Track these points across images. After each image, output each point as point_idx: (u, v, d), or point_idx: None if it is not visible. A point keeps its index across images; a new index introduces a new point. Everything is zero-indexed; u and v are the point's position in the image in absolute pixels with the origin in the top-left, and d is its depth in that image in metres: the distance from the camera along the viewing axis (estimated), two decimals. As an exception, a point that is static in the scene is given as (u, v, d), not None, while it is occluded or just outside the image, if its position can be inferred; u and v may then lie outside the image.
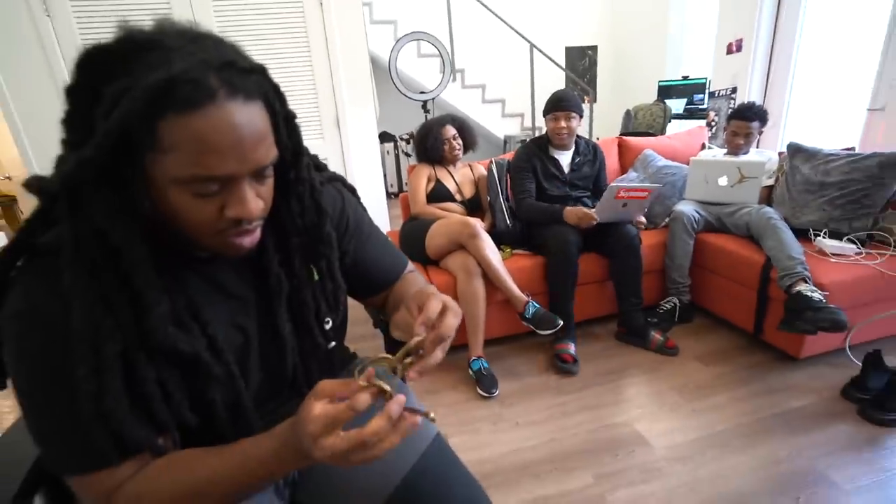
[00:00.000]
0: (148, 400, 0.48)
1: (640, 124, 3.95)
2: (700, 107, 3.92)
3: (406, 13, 4.49)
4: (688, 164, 2.11)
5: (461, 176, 2.18)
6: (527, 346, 2.00)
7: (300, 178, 0.56)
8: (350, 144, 2.81)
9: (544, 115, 2.03)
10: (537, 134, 4.85)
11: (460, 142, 2.14)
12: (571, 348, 1.85)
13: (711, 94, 3.68)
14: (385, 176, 3.46)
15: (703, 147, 2.50)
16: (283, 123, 0.50)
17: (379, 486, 0.61)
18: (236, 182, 0.45)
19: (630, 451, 1.37)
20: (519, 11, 4.83)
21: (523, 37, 4.24)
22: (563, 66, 4.93)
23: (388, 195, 4.75)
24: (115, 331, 0.45)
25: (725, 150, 2.15)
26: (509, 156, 2.32)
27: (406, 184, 3.72)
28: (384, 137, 4.83)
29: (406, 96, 3.80)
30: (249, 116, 0.44)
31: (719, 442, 1.38)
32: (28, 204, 3.69)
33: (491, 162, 2.15)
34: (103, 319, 0.45)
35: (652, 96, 4.25)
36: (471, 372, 1.79)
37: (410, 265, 0.77)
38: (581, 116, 1.99)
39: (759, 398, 1.55)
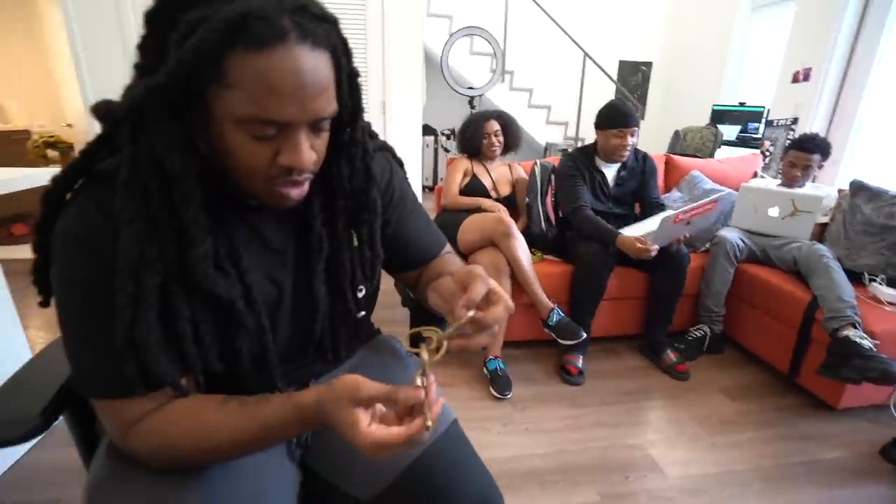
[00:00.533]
0: (179, 338, 0.48)
1: (687, 146, 3.82)
2: (754, 136, 3.77)
3: (463, 9, 4.49)
4: (737, 189, 2.02)
5: (498, 174, 2.15)
6: (545, 353, 1.95)
7: (354, 139, 0.56)
8: (393, 132, 2.82)
9: (601, 129, 1.89)
10: (580, 144, 4.80)
11: (501, 139, 2.10)
12: (579, 361, 1.81)
13: (769, 123, 3.53)
14: (422, 168, 3.46)
15: (755, 175, 2.40)
16: (347, 80, 0.49)
17: (390, 464, 0.59)
18: (293, 129, 0.45)
19: (641, 476, 1.32)
20: (576, 20, 4.75)
21: (578, 45, 4.17)
22: (615, 79, 4.83)
23: (423, 188, 4.75)
24: (157, 262, 0.45)
25: (779, 181, 2.05)
26: (552, 159, 2.28)
27: (441, 179, 3.71)
28: (426, 130, 4.84)
29: (454, 90, 3.79)
30: (314, 64, 0.43)
31: (738, 481, 1.31)
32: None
33: (535, 163, 2.10)
34: (148, 247, 0.44)
35: (703, 119, 4.11)
36: (486, 371, 1.76)
37: (448, 247, 0.75)
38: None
39: (787, 443, 1.47)
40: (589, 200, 1.91)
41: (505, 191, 2.13)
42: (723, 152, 3.75)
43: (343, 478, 0.63)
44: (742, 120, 3.95)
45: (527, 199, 2.08)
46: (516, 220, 2.03)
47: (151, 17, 0.43)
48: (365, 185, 0.58)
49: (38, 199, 0.48)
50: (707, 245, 2.03)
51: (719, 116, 4.09)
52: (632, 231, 1.81)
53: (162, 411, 0.49)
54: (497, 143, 2.09)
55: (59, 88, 4.13)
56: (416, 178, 2.94)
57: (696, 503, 1.23)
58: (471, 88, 3.92)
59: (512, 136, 2.13)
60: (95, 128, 0.47)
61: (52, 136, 3.71)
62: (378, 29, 2.62)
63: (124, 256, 0.44)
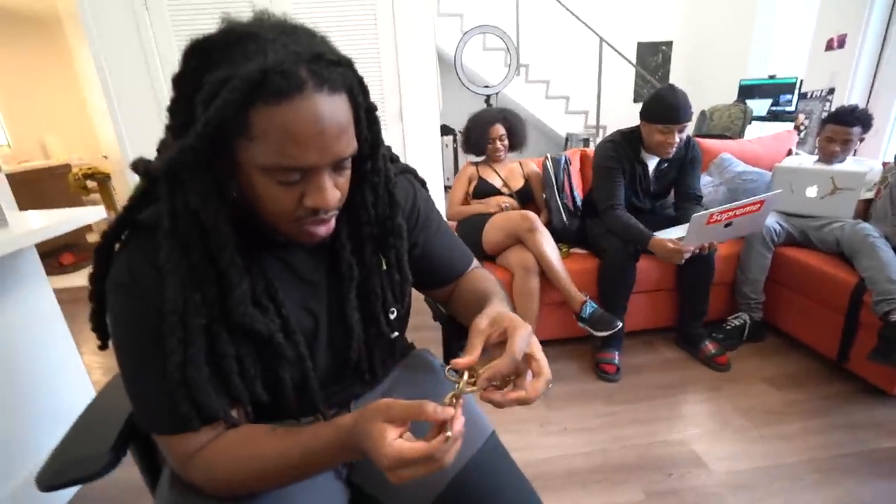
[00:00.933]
0: (226, 373, 0.52)
1: (715, 126, 3.69)
2: (787, 109, 3.60)
3: (473, 6, 4.46)
4: (770, 170, 1.95)
5: (507, 171, 2.13)
6: (578, 350, 1.94)
7: (376, 169, 0.57)
8: (411, 136, 2.84)
9: (645, 121, 1.71)
10: (601, 133, 4.70)
11: (506, 143, 2.07)
12: (615, 358, 1.78)
13: (803, 96, 3.37)
14: (443, 170, 3.48)
15: (790, 153, 2.30)
16: (365, 116, 0.51)
17: (433, 480, 0.61)
18: (316, 172, 0.47)
19: (685, 472, 1.30)
20: (590, 4, 4.65)
21: (593, 31, 4.08)
22: (634, 62, 4.70)
23: (445, 188, 4.77)
24: (200, 306, 0.49)
25: (816, 158, 1.96)
26: (570, 153, 2.25)
27: (463, 178, 3.69)
28: (444, 130, 4.84)
29: (470, 90, 3.78)
30: (332, 109, 0.45)
31: (789, 474, 1.27)
32: (120, 180, 4.06)
33: (546, 158, 2.08)
34: (191, 294, 0.48)
35: (731, 96, 3.96)
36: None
37: (476, 262, 0.77)
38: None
39: (839, 432, 1.41)
40: (623, 198, 1.78)
41: (517, 185, 2.11)
42: (753, 129, 3.60)
43: (388, 494, 0.64)
44: (773, 93, 3.77)
45: (544, 195, 2.06)
46: (539, 216, 2.02)
47: (178, 81, 0.46)
48: (390, 211, 0.60)
49: (92, 251, 0.53)
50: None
51: (748, 92, 3.92)
52: (666, 235, 1.67)
53: (216, 444, 0.52)
54: (502, 147, 2.06)
55: (93, 121, 4.36)
56: (437, 181, 2.95)
57: (745, 498, 1.20)
58: (486, 87, 3.89)
59: (517, 137, 2.09)
60: (131, 156, 0.50)
61: (90, 168, 3.91)
62: (390, 35, 2.64)
63: (171, 303, 0.47)
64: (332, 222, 0.53)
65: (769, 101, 3.77)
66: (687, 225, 1.55)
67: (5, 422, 1.18)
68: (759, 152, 2.30)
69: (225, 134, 0.44)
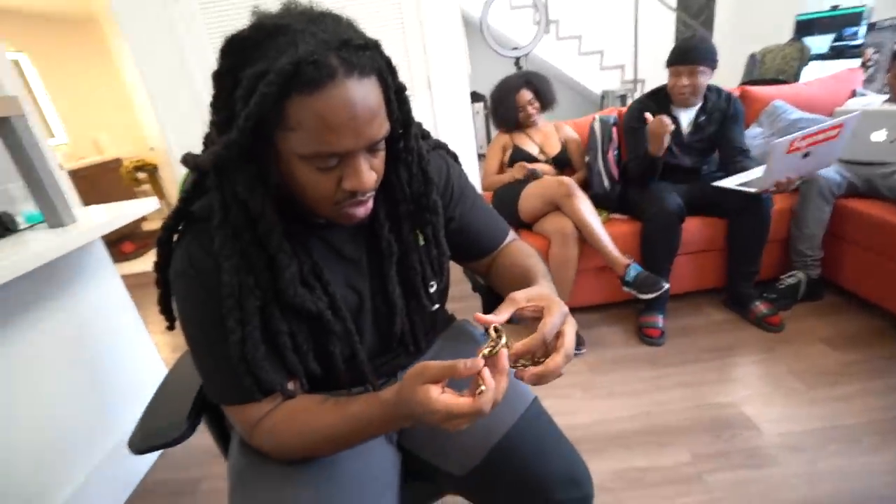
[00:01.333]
0: (281, 350, 0.56)
1: (767, 70, 3.41)
2: (852, 43, 3.26)
3: (498, -38, 4.24)
4: (831, 115, 1.79)
5: (542, 136, 2.07)
6: (621, 315, 1.92)
7: (409, 148, 0.58)
8: (441, 106, 2.80)
9: (667, 66, 1.74)
10: (639, 88, 4.44)
11: (537, 105, 2.00)
12: (660, 321, 1.74)
13: (871, 27, 3.03)
14: (475, 137, 3.42)
15: (853, 94, 2.10)
16: (395, 96, 0.52)
17: (479, 443, 0.64)
18: (352, 156, 0.48)
19: (735, 434, 1.28)
20: (624, -54, 4.32)
21: (629, -24, 3.80)
22: (674, 5, 4.36)
23: (478, 157, 4.71)
24: (254, 288, 0.52)
25: (887, 97, 1.78)
26: (611, 111, 2.15)
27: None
28: (474, 98, 4.73)
29: (498, 53, 3.65)
30: (364, 93, 0.46)
31: (846, 437, 1.23)
32: (166, 170, 4.27)
33: (594, 119, 2.00)
34: (245, 278, 0.52)
35: (785, 35, 3.62)
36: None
37: (513, 233, 0.77)
38: (713, 68, 1.68)
39: (904, 392, 1.34)
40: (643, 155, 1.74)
41: (553, 151, 2.05)
42: (812, 70, 3.30)
43: (437, 456, 0.68)
44: (835, 27, 3.43)
45: (587, 158, 1.99)
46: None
47: (217, 78, 0.48)
48: (424, 188, 0.61)
49: (151, 237, 0.57)
50: (797, 183, 1.83)
51: (806, 28, 3.58)
52: (729, 182, 1.62)
53: (275, 414, 0.57)
54: (533, 111, 2.00)
55: (137, 115, 4.56)
56: (469, 150, 2.92)
57: (800, 460, 1.18)
58: (515, 49, 3.74)
59: (546, 96, 2.01)
60: (174, 147, 0.54)
61: (139, 161, 4.14)
62: (412, 3, 2.58)
63: (227, 287, 0.51)
64: (370, 203, 0.55)
65: (831, 37, 3.43)
66: (755, 169, 1.54)
67: (93, 397, 1.32)
68: (818, 96, 2.11)
69: (264, 126, 0.46)
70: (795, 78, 3.20)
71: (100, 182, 3.96)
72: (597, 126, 1.96)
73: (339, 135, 0.46)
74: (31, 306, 1.16)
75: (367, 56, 0.46)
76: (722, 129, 1.77)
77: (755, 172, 1.63)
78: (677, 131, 1.78)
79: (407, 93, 0.55)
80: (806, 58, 3.26)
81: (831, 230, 1.72)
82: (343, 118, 0.45)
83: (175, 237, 0.56)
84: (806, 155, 1.42)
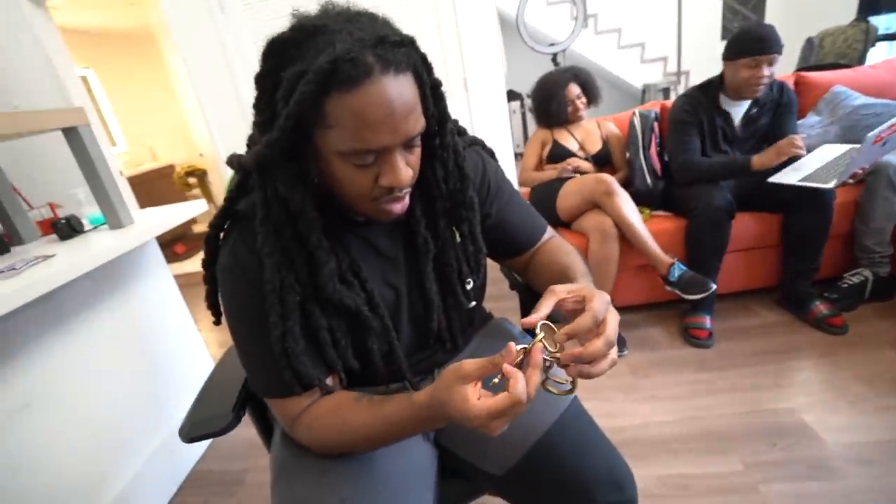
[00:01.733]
0: (321, 345, 0.57)
1: (827, 54, 3.17)
2: (925, 21, 2.98)
3: (533, -43, 4.19)
4: (901, 100, 1.65)
5: (583, 132, 2.01)
6: (664, 315, 1.84)
7: (444, 144, 0.58)
8: (477, 105, 2.79)
9: (729, 59, 1.58)
10: (683, 81, 4.25)
11: (584, 100, 1.96)
12: (707, 322, 1.66)
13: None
14: (512, 136, 3.38)
15: (928, 76, 1.92)
16: (430, 92, 0.52)
17: (518, 442, 0.63)
18: (389, 153, 0.49)
19: (793, 443, 1.20)
20: (666, -67, 4.16)
21: (671, -37, 3.66)
22: (722, -8, 4.15)
23: (515, 156, 4.68)
24: (294, 284, 0.54)
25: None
26: (652, 105, 2.07)
27: (531, 143, 3.56)
28: (510, 96, 4.70)
29: (534, 50, 3.60)
30: (400, 90, 0.46)
31: (923, 449, 1.12)
32: (215, 175, 4.49)
33: (634, 114, 1.93)
34: (286, 274, 0.53)
35: (847, 15, 3.36)
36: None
37: (551, 230, 0.76)
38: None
39: None
40: (699, 152, 1.70)
41: (594, 148, 2.00)
42: (879, 52, 3.05)
43: (476, 455, 0.67)
44: (905, 4, 3.14)
45: (627, 154, 1.93)
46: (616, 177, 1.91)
47: (260, 80, 0.49)
48: (461, 184, 0.61)
49: (202, 239, 0.60)
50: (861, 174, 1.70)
51: (871, 5, 3.31)
52: (789, 178, 1.52)
53: (314, 409, 0.58)
54: (582, 105, 1.96)
55: (188, 124, 4.83)
56: (506, 149, 2.89)
57: (868, 473, 1.08)
58: (552, 45, 3.67)
59: (593, 90, 1.98)
60: (222, 153, 0.57)
61: (190, 166, 4.37)
62: (449, 3, 2.58)
63: (269, 283, 0.53)
64: (407, 199, 0.56)
65: (900, 16, 3.15)
66: (806, 159, 1.53)
67: (146, 390, 1.40)
68: (886, 79, 1.95)
69: (304, 125, 0.47)
70: (860, 62, 2.96)
71: (154, 187, 4.22)
72: (636, 121, 1.89)
73: (376, 131, 0.46)
74: (91, 303, 1.25)
75: (402, 52, 0.47)
76: (775, 120, 1.68)
77: (811, 164, 1.54)
78: (728, 124, 1.70)
79: (442, 89, 0.55)
80: (872, 39, 3.00)
81: (902, 225, 1.58)
82: (380, 115, 0.45)
83: (221, 235, 0.59)
84: (884, 143, 1.37)
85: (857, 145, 1.37)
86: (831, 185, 1.42)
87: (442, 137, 0.58)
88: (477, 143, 0.71)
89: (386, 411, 0.53)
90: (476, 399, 0.44)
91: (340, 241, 0.59)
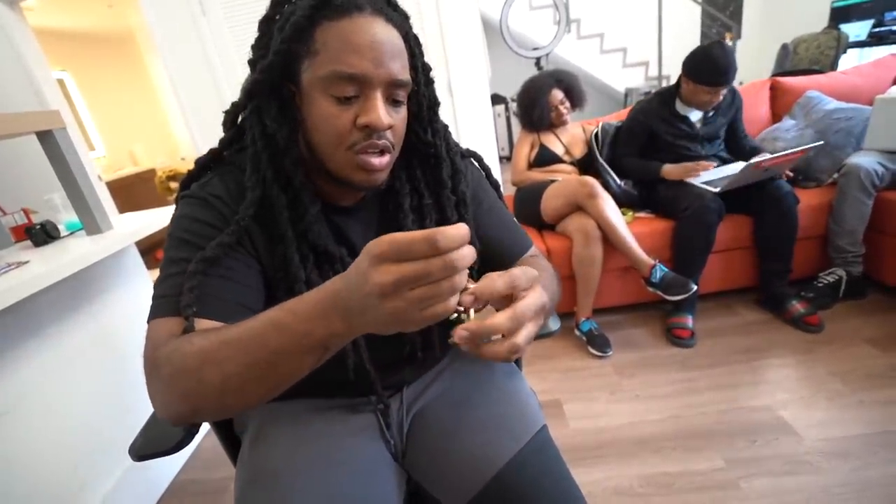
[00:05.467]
0: (297, 292, 0.53)
1: (801, 60, 3.27)
2: (894, 28, 3.10)
3: (517, -37, 4.24)
4: (871, 104, 1.70)
5: (569, 137, 2.04)
6: (647, 316, 1.87)
7: (435, 130, 0.60)
8: (462, 110, 2.80)
9: (689, 79, 1.68)
10: (664, 84, 4.33)
11: (568, 105, 1.98)
12: (689, 322, 1.69)
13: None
14: (496, 140, 3.40)
15: (896, 82, 1.99)
16: (422, 70, 0.54)
17: (476, 475, 0.58)
18: (370, 89, 0.50)
19: (772, 439, 1.22)
20: (646, -59, 4.25)
21: (651, -29, 3.73)
22: (700, -1, 4.26)
23: (500, 159, 4.70)
24: (270, 224, 0.54)
25: (931, 84, 1.69)
26: (620, 115, 2.12)
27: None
28: (494, 100, 4.73)
29: (519, 55, 3.63)
30: (389, 34, 0.49)
31: (896, 442, 1.16)
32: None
33: (598, 125, 2.01)
34: (263, 212, 0.54)
35: (819, 23, 3.47)
36: (579, 333, 1.75)
37: (534, 249, 0.71)
38: None
39: (960, 395, 1.25)
40: (634, 153, 1.89)
41: (579, 151, 2.03)
42: (849, 59, 3.16)
43: (433, 484, 0.63)
44: (875, 11, 3.27)
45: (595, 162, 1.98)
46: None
47: (263, 23, 0.53)
48: (452, 180, 0.62)
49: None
50: (834, 177, 1.75)
51: (842, 14, 3.43)
52: (708, 176, 1.75)
53: (188, 335, 0.45)
54: (565, 110, 1.97)
55: (170, 128, 4.75)
56: (492, 153, 2.90)
57: (847, 467, 1.11)
58: (535, 49, 3.72)
59: (576, 95, 1.99)
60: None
61: (171, 170, 4.29)
62: (433, 8, 2.59)
63: (241, 213, 0.52)
64: (387, 157, 0.53)
65: (870, 22, 3.27)
66: (729, 166, 1.76)
67: (128, 396, 1.37)
68: (857, 84, 2.02)
69: (294, 59, 0.50)
70: (832, 67, 3.06)
71: (135, 192, 4.14)
72: (599, 131, 2.01)
73: (359, 55, 0.48)
74: (69, 310, 1.22)
75: (397, 15, 0.51)
76: (729, 119, 1.84)
77: (721, 172, 1.76)
78: (689, 125, 1.80)
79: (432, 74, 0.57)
80: (843, 46, 3.11)
81: (874, 225, 1.63)
82: (364, 41, 0.48)
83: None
84: (766, 170, 1.61)
85: (754, 160, 1.57)
86: (716, 189, 1.64)
87: (433, 125, 0.58)
88: (468, 156, 0.71)
89: (277, 308, 0.40)
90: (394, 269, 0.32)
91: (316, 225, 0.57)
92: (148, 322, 0.50)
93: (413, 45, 0.52)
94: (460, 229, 0.32)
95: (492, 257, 0.66)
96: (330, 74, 0.48)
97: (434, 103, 0.57)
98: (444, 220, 0.62)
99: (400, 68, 0.50)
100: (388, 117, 0.51)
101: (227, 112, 0.58)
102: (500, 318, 0.37)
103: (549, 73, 2.02)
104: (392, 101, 0.52)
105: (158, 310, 0.49)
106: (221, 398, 0.41)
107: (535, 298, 0.40)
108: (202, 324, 0.47)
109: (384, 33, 0.49)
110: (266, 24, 0.52)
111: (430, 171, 0.61)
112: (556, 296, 0.60)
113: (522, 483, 0.57)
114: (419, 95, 0.54)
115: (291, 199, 0.54)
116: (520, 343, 0.37)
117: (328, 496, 0.55)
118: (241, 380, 0.40)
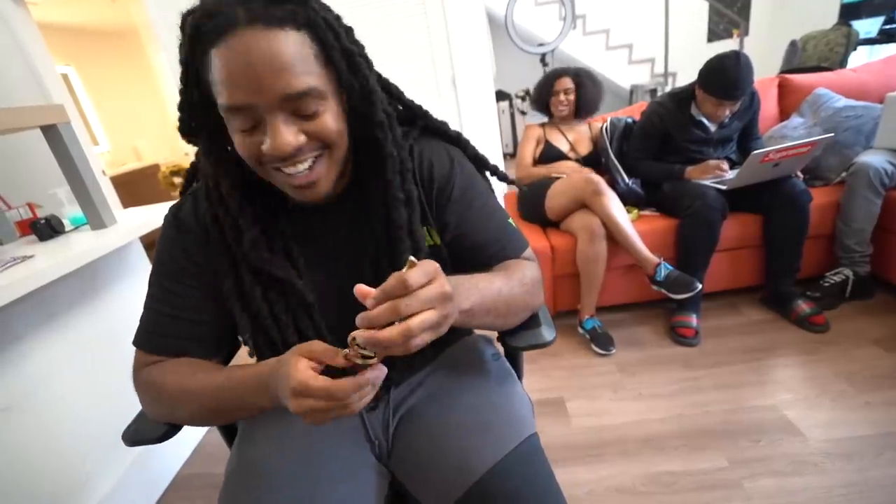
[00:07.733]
0: (261, 319, 0.57)
1: (809, 57, 3.23)
2: (904, 26, 3.05)
3: (522, -42, 4.20)
4: (881, 102, 1.68)
5: (576, 134, 2.02)
6: (651, 314, 1.86)
7: (376, 122, 0.53)
8: (466, 104, 2.79)
9: (701, 88, 1.65)
10: (670, 82, 4.30)
11: (571, 99, 1.94)
12: (693, 321, 1.68)
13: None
14: (500, 136, 3.38)
15: (906, 79, 1.96)
16: (343, 58, 0.48)
17: (460, 479, 0.56)
18: (267, 114, 0.45)
19: (776, 439, 1.22)
20: (654, -64, 4.20)
21: (658, -34, 3.70)
22: (708, -5, 4.21)
23: (504, 156, 4.67)
24: (222, 253, 0.57)
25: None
26: (628, 111, 2.10)
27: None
28: (499, 96, 4.70)
29: (523, 50, 3.61)
30: (267, 44, 0.43)
31: (903, 443, 1.15)
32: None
33: (605, 120, 1.97)
34: (209, 245, 0.57)
35: (829, 20, 3.43)
36: (582, 331, 1.74)
37: (528, 252, 0.67)
38: None
39: (968, 397, 1.24)
40: (649, 156, 1.85)
41: (585, 149, 2.01)
42: (859, 56, 3.12)
43: (417, 486, 0.61)
44: (886, 8, 3.22)
45: (603, 159, 1.95)
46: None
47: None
48: (400, 175, 0.56)
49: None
50: (842, 175, 1.74)
51: (852, 11, 3.39)
52: (709, 180, 1.73)
53: (162, 364, 0.60)
54: (565, 102, 1.94)
55: (173, 122, 4.76)
56: (495, 148, 2.89)
57: (851, 468, 1.10)
58: (541, 45, 3.69)
59: (586, 97, 1.94)
60: None
61: (175, 166, 4.30)
62: (438, 3, 2.58)
63: (190, 250, 0.59)
64: (316, 172, 0.50)
65: (881, 19, 3.22)
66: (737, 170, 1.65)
67: (131, 389, 1.37)
68: (867, 81, 1.99)
69: (208, 89, 0.48)
70: (841, 65, 3.02)
71: (138, 187, 4.15)
72: (607, 127, 1.97)
73: (236, 86, 0.44)
74: (73, 304, 1.22)
75: (283, 9, 0.44)
76: (745, 122, 1.80)
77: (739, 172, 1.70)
78: (704, 129, 1.77)
79: (362, 57, 0.51)
80: (853, 43, 3.07)
81: (882, 224, 1.61)
82: (236, 67, 0.43)
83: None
84: (776, 165, 1.57)
85: (760, 151, 1.53)
86: (724, 187, 1.65)
87: (372, 115, 0.52)
88: (451, 139, 0.65)
89: (230, 371, 0.55)
90: (306, 367, 0.43)
91: (275, 226, 0.58)
92: (134, 345, 0.62)
93: (322, 34, 0.45)
94: (359, 380, 0.42)
95: (480, 256, 0.63)
96: (222, 108, 0.46)
97: (368, 91, 0.51)
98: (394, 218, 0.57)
99: (289, 80, 0.44)
100: (293, 137, 0.46)
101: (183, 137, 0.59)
102: (391, 333, 0.39)
103: (575, 68, 2.00)
104: (300, 115, 0.47)
105: (135, 338, 0.62)
106: (192, 423, 0.60)
107: (432, 290, 0.40)
108: (162, 359, 0.60)
109: (261, 47, 0.42)
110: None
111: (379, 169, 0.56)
112: (531, 299, 0.61)
113: (505, 490, 0.55)
114: (345, 84, 0.48)
115: (231, 224, 0.55)
116: (412, 327, 0.38)
117: (308, 498, 0.55)
118: (204, 418, 0.59)
